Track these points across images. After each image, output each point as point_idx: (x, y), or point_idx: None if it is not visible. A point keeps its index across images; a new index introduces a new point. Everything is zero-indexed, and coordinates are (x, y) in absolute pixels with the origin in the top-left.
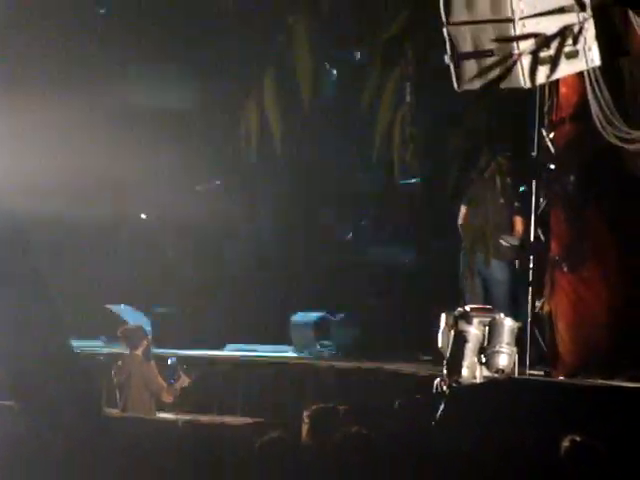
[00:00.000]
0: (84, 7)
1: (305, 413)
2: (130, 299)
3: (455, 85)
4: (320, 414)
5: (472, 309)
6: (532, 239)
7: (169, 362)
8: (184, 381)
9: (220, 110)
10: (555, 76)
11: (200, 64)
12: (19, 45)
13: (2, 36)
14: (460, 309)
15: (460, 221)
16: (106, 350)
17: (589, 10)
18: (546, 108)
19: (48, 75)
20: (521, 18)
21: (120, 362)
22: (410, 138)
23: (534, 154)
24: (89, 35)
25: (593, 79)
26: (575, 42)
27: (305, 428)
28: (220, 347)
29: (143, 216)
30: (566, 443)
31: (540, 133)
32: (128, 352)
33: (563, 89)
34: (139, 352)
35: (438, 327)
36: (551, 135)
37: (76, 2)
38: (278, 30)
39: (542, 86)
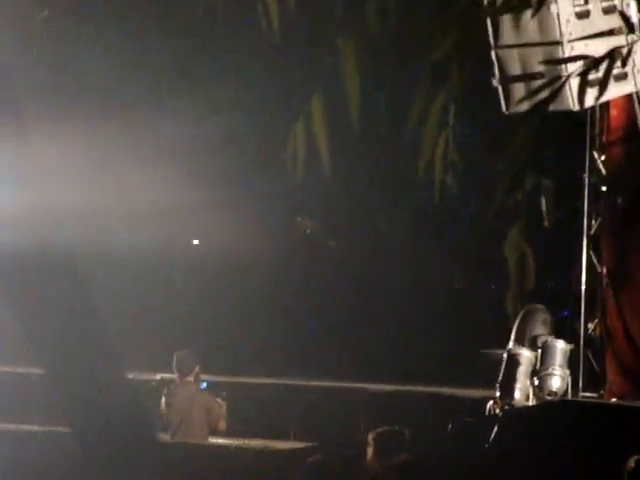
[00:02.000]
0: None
1: (370, 435)
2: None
3: (504, 107)
4: (385, 437)
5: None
6: (584, 261)
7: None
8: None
9: (269, 135)
10: (604, 98)
11: (248, 88)
12: (60, 78)
13: (42, 69)
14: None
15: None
16: (159, 376)
17: (638, 32)
18: (597, 130)
19: (93, 108)
20: (569, 41)
21: (173, 388)
22: (451, 163)
23: (585, 176)
24: (136, 63)
25: None
26: (624, 64)
27: (370, 450)
28: (274, 374)
29: (195, 242)
30: (631, 464)
31: (591, 155)
32: (178, 378)
33: (613, 111)
34: (191, 379)
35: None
36: (602, 157)
37: (107, 32)
38: (326, 52)
39: (592, 108)
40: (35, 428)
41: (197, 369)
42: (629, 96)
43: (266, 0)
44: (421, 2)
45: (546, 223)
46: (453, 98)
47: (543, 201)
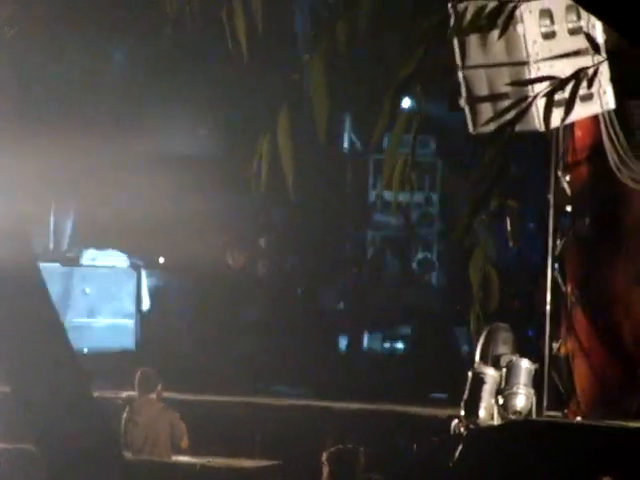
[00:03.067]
0: (100, 53)
1: (325, 455)
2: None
3: (470, 128)
4: (340, 456)
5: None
6: (549, 281)
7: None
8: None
9: (234, 152)
10: (570, 119)
11: (214, 105)
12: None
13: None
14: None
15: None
16: (125, 394)
17: (603, 53)
18: (562, 150)
19: (59, 120)
20: (536, 61)
21: (136, 406)
22: (408, 182)
23: (550, 196)
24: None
25: (608, 122)
26: (590, 85)
27: (325, 470)
28: (237, 391)
29: (161, 260)
30: None
31: (556, 175)
32: (141, 396)
33: (578, 132)
34: (153, 396)
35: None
36: (567, 177)
37: (92, 47)
38: (294, 68)
39: (557, 129)
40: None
41: (159, 387)
42: (594, 117)
43: (233, 18)
44: (389, 22)
45: (511, 243)
46: (416, 117)
47: (508, 221)
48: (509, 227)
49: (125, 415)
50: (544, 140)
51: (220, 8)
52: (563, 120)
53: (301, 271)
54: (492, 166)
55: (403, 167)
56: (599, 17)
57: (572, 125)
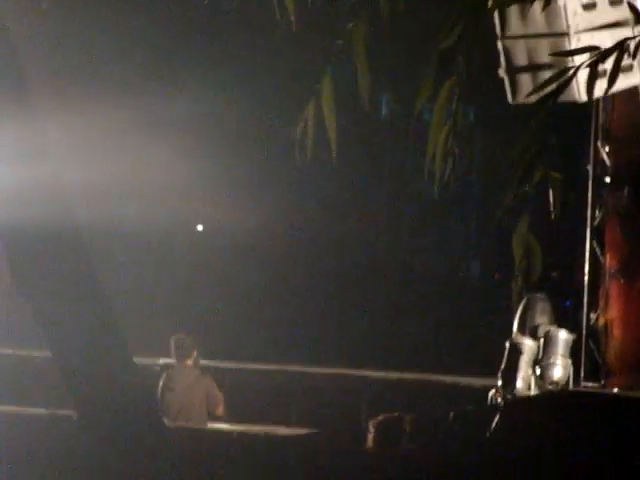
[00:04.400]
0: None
1: (371, 423)
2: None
3: (510, 98)
4: (386, 424)
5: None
6: (587, 252)
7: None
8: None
9: (277, 116)
10: (611, 91)
11: (257, 69)
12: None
13: (42, 52)
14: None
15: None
16: (162, 361)
17: None
18: (601, 122)
19: (96, 90)
20: (576, 32)
21: (172, 372)
22: (452, 153)
23: (590, 167)
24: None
25: None
26: (634, 56)
27: (370, 437)
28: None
29: (199, 227)
30: None
31: (596, 147)
32: (177, 362)
33: (618, 103)
34: (190, 362)
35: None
36: (607, 149)
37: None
38: (337, 35)
39: (597, 100)
40: (39, 411)
41: (195, 353)
42: (634, 88)
43: None
44: None
45: (553, 215)
46: (460, 87)
47: (551, 194)
48: (552, 199)
49: (162, 382)
50: (583, 111)
51: None
52: (606, 91)
53: (336, 240)
54: (535, 137)
55: (446, 137)
56: None
57: (611, 96)
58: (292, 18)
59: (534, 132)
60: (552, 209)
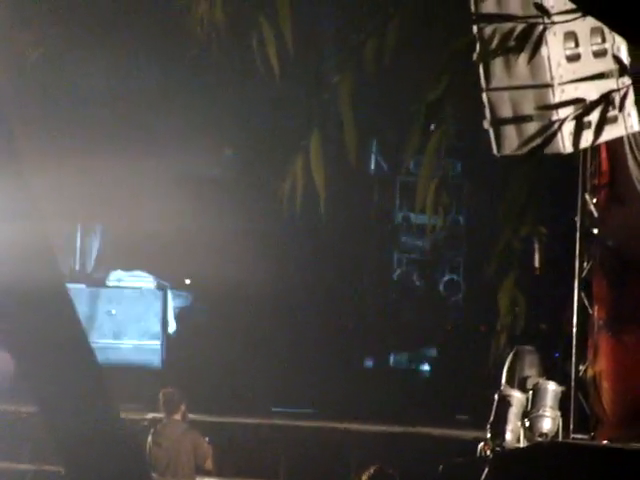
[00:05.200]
0: (125, 75)
1: (364, 477)
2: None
3: (495, 150)
4: (378, 478)
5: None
6: (576, 303)
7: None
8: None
9: (264, 174)
10: (597, 142)
11: (245, 126)
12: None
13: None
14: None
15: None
16: (150, 415)
17: (629, 76)
18: (589, 173)
19: (86, 138)
20: (560, 83)
21: (160, 427)
22: (442, 204)
23: (577, 218)
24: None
25: (633, 144)
26: (620, 108)
27: None
28: (263, 412)
29: (187, 281)
30: None
31: (584, 198)
32: (165, 417)
33: (604, 154)
34: (178, 417)
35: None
36: (594, 200)
37: (117, 70)
38: (324, 89)
39: (584, 151)
40: (26, 467)
41: (183, 407)
42: (619, 139)
43: (264, 39)
44: (415, 44)
45: (537, 271)
46: (447, 139)
47: (536, 248)
48: (537, 253)
49: (150, 437)
50: (570, 163)
51: (249, 33)
52: (592, 143)
53: (326, 293)
54: (521, 191)
55: (436, 189)
56: (627, 38)
57: (598, 147)
58: (276, 75)
59: (520, 185)
60: (537, 264)
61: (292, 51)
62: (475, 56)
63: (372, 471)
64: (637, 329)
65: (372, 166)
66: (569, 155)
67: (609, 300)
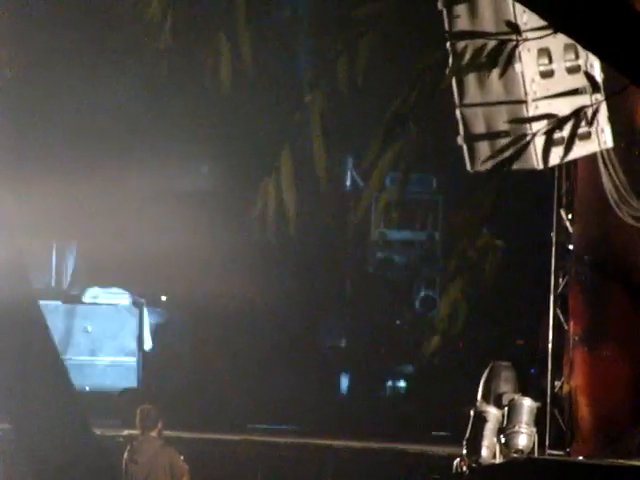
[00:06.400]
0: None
1: None
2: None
3: (468, 166)
4: None
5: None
6: (551, 319)
7: None
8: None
9: (238, 190)
10: (568, 158)
11: (218, 143)
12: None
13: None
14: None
15: None
16: (126, 432)
17: (602, 92)
18: (564, 189)
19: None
20: (534, 100)
21: (136, 444)
22: (391, 219)
23: (553, 234)
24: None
25: (607, 160)
26: (590, 124)
27: None
28: (240, 429)
29: (163, 298)
30: None
31: (559, 213)
32: (141, 433)
33: (579, 170)
34: (154, 434)
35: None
36: (569, 215)
37: (90, 86)
38: (296, 108)
39: (559, 167)
40: None
41: (160, 424)
42: (593, 155)
43: (219, 61)
44: (388, 60)
45: (486, 282)
46: (408, 154)
47: (489, 260)
48: (489, 265)
49: (126, 454)
50: (546, 179)
51: (203, 50)
52: (562, 159)
53: (303, 309)
54: (483, 204)
55: (385, 204)
56: (599, 55)
57: (573, 163)
58: (226, 89)
59: (482, 199)
60: (487, 275)
61: (250, 69)
62: (448, 71)
63: None
64: (613, 344)
65: (348, 182)
66: (545, 171)
67: (585, 316)
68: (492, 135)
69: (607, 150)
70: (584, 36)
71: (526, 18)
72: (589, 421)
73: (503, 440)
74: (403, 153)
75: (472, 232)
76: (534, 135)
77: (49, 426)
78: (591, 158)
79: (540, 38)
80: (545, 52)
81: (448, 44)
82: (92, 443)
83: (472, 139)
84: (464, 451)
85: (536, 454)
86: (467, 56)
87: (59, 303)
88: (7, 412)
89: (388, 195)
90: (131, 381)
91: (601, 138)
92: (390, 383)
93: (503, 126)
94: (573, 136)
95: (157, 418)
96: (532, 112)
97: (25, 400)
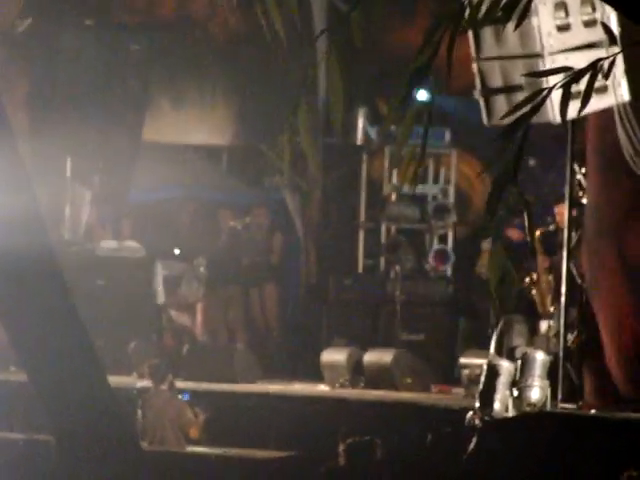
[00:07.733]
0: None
1: (341, 446)
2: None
3: (485, 120)
4: (356, 447)
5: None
6: (564, 273)
7: (181, 398)
8: (201, 417)
9: (255, 144)
10: (585, 111)
11: (236, 97)
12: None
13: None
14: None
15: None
16: (139, 385)
17: (619, 45)
18: (578, 143)
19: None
20: (550, 53)
21: (147, 397)
22: (415, 176)
23: (566, 188)
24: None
25: (623, 113)
26: (607, 77)
27: (342, 461)
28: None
29: (177, 251)
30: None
31: (572, 168)
32: (153, 386)
33: (594, 124)
34: (164, 386)
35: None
36: (583, 170)
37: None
38: (311, 61)
39: (573, 121)
40: (17, 436)
41: (170, 377)
42: (609, 109)
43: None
44: (403, 15)
45: (528, 237)
46: (427, 109)
47: (525, 217)
48: (526, 222)
49: (138, 406)
50: (559, 132)
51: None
52: (579, 112)
53: (315, 263)
54: (509, 160)
55: (411, 160)
56: (616, 7)
57: (587, 117)
58: (283, 40)
59: (508, 155)
60: (527, 232)
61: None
62: (463, 24)
63: (350, 441)
64: (627, 297)
65: (359, 135)
66: (559, 125)
67: (599, 269)
68: (509, 89)
69: (623, 104)
70: None
71: None
72: (601, 374)
73: (516, 393)
74: (422, 108)
75: (498, 191)
76: (551, 88)
77: (66, 377)
78: (606, 112)
79: None
80: (562, 5)
81: None
82: (109, 395)
83: (489, 93)
84: (477, 404)
85: (548, 408)
86: (483, 9)
87: (73, 254)
88: (24, 363)
89: (411, 151)
90: (144, 334)
91: (617, 91)
92: (404, 337)
93: (519, 80)
94: (590, 89)
95: (166, 371)
96: (548, 66)
97: (42, 351)
